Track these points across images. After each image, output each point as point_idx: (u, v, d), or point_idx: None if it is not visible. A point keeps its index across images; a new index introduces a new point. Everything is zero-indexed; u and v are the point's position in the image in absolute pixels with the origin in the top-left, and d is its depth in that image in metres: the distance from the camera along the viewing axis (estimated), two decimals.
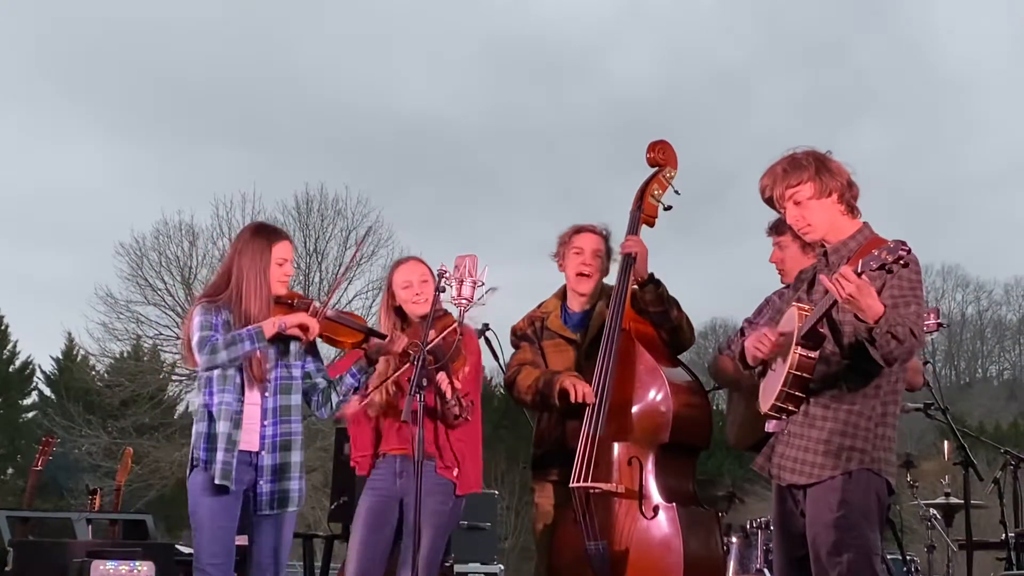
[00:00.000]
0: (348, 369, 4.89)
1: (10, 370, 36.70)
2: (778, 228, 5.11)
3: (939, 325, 5.24)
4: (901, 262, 3.50)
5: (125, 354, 28.24)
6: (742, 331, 5.35)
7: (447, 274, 4.74)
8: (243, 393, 4.65)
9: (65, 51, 56.07)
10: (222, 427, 4.57)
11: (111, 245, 28.24)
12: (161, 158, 52.61)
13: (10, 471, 34.62)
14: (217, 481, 4.52)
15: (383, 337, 4.85)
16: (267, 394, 4.70)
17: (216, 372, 4.62)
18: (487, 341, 5.72)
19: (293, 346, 4.78)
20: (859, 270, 3.53)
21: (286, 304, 4.77)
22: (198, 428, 4.65)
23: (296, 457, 4.72)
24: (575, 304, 5.45)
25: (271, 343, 4.68)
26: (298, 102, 54.99)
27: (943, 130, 70.41)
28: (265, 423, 4.68)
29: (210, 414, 4.60)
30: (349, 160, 53.06)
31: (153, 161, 52.74)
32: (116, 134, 58.83)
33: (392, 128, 58.76)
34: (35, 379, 37.01)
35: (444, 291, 4.77)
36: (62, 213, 53.83)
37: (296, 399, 4.77)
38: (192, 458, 4.63)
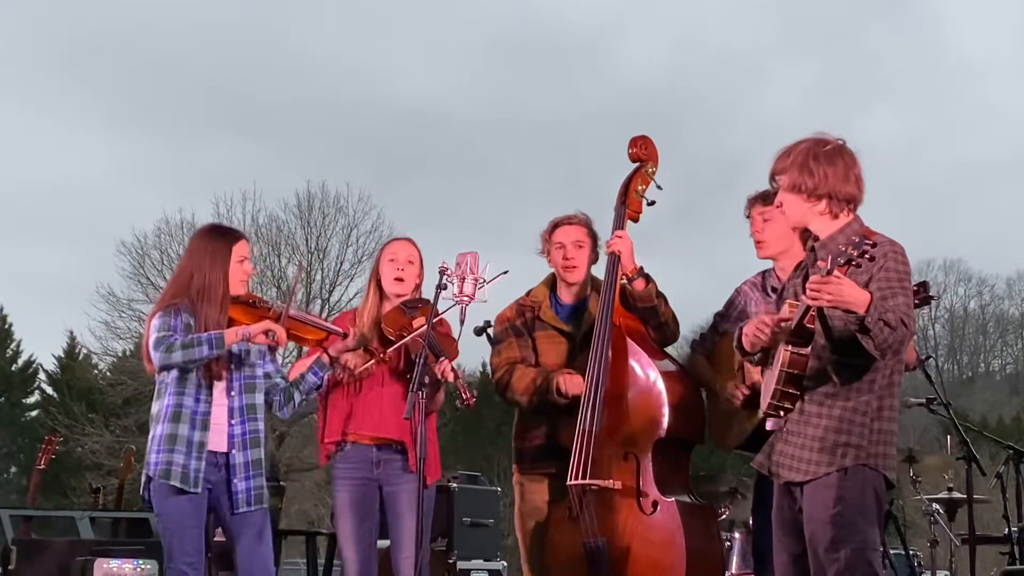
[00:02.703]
0: (309, 367, 4.90)
1: (13, 369, 36.76)
2: (767, 198, 5.09)
3: (929, 298, 5.20)
4: (866, 256, 3.51)
5: (127, 352, 28.23)
6: (714, 326, 5.36)
7: (448, 271, 4.75)
8: (210, 394, 4.65)
9: (65, 49, 56.07)
10: (181, 429, 4.56)
11: (112, 242, 28.22)
12: (162, 152, 52.71)
13: (13, 470, 34.72)
14: (174, 483, 4.51)
15: (344, 336, 4.87)
16: (232, 393, 4.70)
17: (174, 375, 4.60)
18: (489, 338, 5.72)
19: (254, 345, 4.78)
20: (828, 267, 3.55)
21: (247, 304, 4.78)
22: (153, 432, 4.62)
23: (263, 454, 4.76)
24: (566, 296, 5.42)
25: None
26: (299, 94, 54.99)
27: (953, 117, 70.38)
28: (233, 422, 4.68)
29: (168, 417, 4.58)
30: (351, 153, 53.17)
31: (154, 155, 52.84)
32: (116, 128, 58.90)
33: (394, 120, 58.74)
34: (38, 378, 37.07)
35: (446, 288, 4.77)
36: (62, 208, 53.96)
37: (260, 398, 4.79)
38: (149, 462, 4.59)
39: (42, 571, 6.65)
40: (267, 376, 4.85)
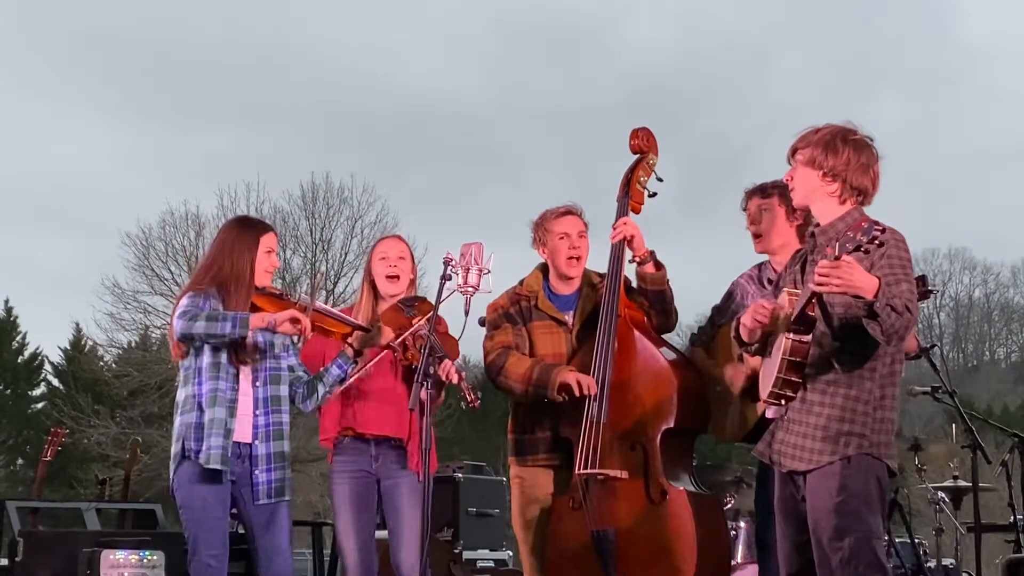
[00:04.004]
0: (334, 360, 4.92)
1: (19, 361, 36.78)
2: (765, 191, 5.10)
3: (928, 292, 5.23)
4: (876, 242, 3.53)
5: (133, 344, 28.29)
6: (711, 319, 5.36)
7: (453, 262, 4.74)
8: (237, 382, 4.67)
9: (68, 40, 56.02)
10: (218, 413, 4.58)
11: (117, 233, 28.26)
12: (166, 143, 52.69)
13: (19, 462, 34.71)
14: (213, 465, 4.53)
15: (368, 331, 4.87)
16: (258, 384, 4.74)
17: (207, 361, 4.63)
18: None
19: (279, 337, 4.79)
20: (836, 253, 3.55)
21: (274, 296, 4.79)
22: (187, 419, 4.64)
23: (287, 447, 4.79)
24: (562, 287, 5.39)
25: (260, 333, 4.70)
26: (302, 84, 54.95)
27: (959, 103, 70.09)
28: (257, 413, 4.72)
29: (200, 404, 4.61)
30: (354, 143, 53.15)
31: (158, 147, 52.83)
32: (119, 120, 58.93)
33: (398, 109, 58.69)
34: (44, 370, 37.09)
35: (450, 279, 4.76)
36: (66, 200, 53.96)
37: (284, 390, 4.82)
38: (184, 450, 4.62)
39: (49, 563, 6.66)
40: (291, 369, 4.87)
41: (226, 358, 4.66)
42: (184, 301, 4.66)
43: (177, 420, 4.71)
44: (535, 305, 5.36)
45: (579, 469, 5.02)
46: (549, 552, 5.19)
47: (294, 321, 4.59)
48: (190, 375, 4.68)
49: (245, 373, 4.71)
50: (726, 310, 5.23)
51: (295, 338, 4.86)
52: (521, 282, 5.47)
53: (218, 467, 4.54)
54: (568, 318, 5.34)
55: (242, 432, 4.67)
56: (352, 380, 4.99)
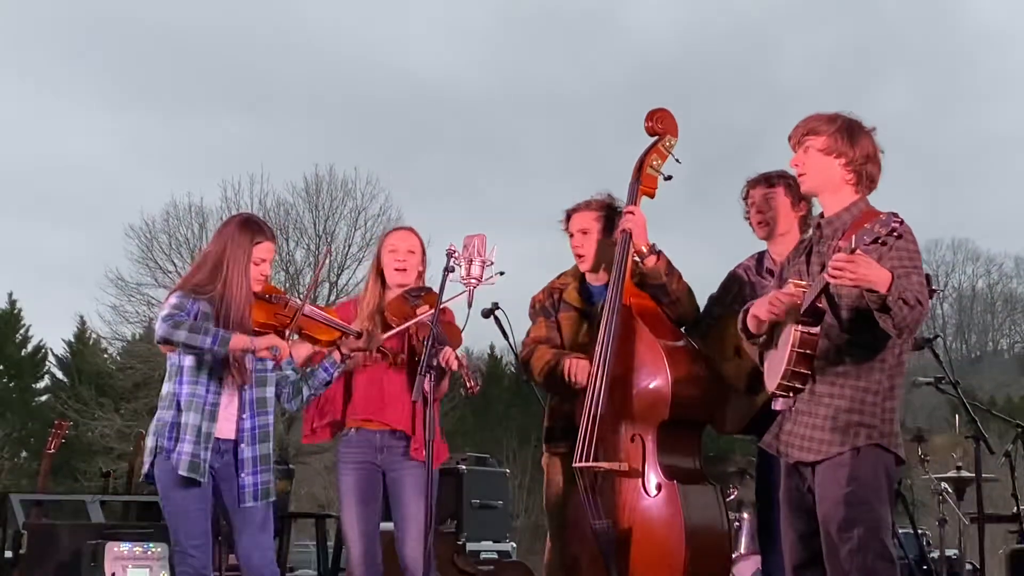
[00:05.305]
0: (320, 363, 4.92)
1: (23, 354, 36.81)
2: (770, 180, 5.07)
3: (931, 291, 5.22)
4: (895, 234, 3.51)
5: (137, 336, 28.30)
6: (708, 310, 5.33)
7: (456, 254, 4.73)
8: (221, 385, 4.66)
9: (71, 33, 55.97)
10: (191, 418, 4.58)
11: (120, 226, 28.29)
12: (169, 135, 52.66)
13: (24, 454, 34.74)
14: (182, 472, 4.53)
15: (358, 336, 4.88)
16: (245, 386, 4.72)
17: (190, 362, 4.62)
18: (496, 320, 5.71)
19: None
20: (853, 246, 3.53)
21: (263, 299, 4.78)
22: (164, 416, 4.64)
23: (272, 448, 4.80)
24: (595, 278, 5.40)
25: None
26: (306, 76, 54.93)
27: (966, 91, 69.91)
28: (244, 416, 4.71)
29: (178, 403, 4.61)
30: (358, 132, 53.10)
31: (161, 138, 52.80)
32: (123, 111, 58.89)
33: (401, 99, 58.65)
34: (47, 363, 37.14)
35: (453, 271, 4.75)
36: (70, 192, 54.00)
37: (271, 391, 4.80)
38: (156, 446, 4.62)
39: (53, 555, 6.68)
40: (278, 368, 4.86)
41: (209, 363, 4.64)
42: (172, 301, 4.61)
43: (157, 414, 4.71)
44: (563, 297, 5.40)
45: (575, 461, 5.03)
46: (567, 540, 5.20)
47: (272, 348, 4.59)
48: (173, 372, 4.68)
49: (230, 376, 4.71)
50: (724, 301, 5.20)
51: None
52: (560, 275, 5.50)
53: (184, 474, 4.53)
54: (594, 307, 5.33)
55: (225, 430, 4.67)
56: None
